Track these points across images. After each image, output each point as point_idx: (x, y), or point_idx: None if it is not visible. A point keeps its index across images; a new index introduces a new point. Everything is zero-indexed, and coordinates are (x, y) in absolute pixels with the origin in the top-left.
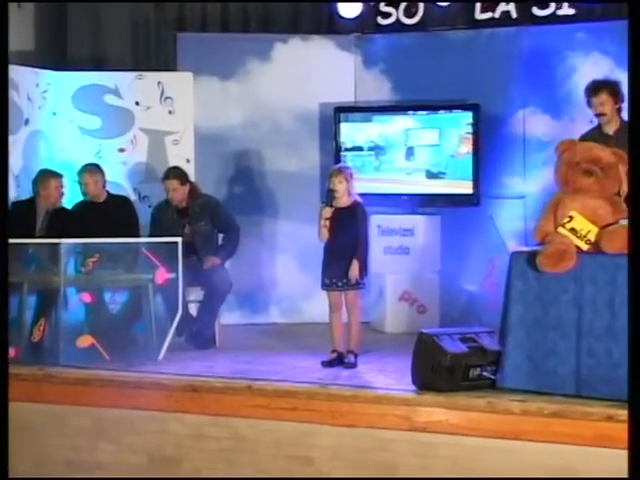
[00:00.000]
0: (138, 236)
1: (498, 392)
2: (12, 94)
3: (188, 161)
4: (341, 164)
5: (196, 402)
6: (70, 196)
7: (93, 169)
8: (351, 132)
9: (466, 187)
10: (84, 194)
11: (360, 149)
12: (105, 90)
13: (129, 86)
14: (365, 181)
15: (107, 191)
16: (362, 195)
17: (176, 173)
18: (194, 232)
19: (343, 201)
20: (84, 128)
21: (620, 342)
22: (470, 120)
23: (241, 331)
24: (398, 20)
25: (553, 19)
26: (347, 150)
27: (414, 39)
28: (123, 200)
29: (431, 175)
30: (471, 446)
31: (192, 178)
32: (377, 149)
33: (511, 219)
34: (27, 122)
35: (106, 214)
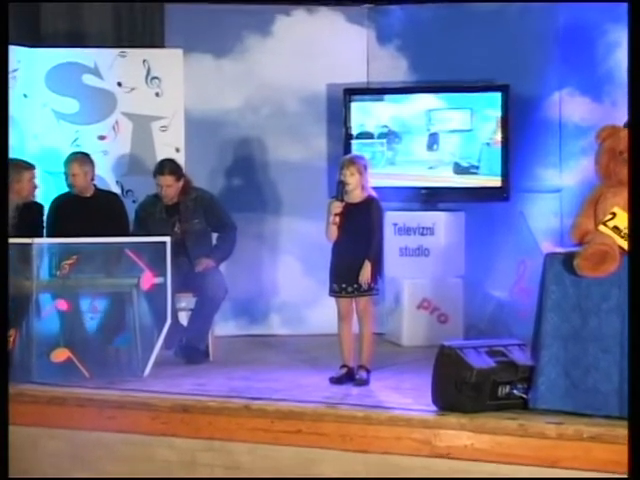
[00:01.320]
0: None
1: (531, 413)
2: None
3: (178, 150)
4: (353, 154)
5: (187, 424)
6: (43, 189)
7: (83, 159)
8: (358, 114)
9: (494, 180)
10: (70, 186)
11: (369, 136)
12: (83, 69)
13: (110, 65)
14: (374, 177)
15: (95, 185)
16: (375, 188)
17: (171, 168)
18: (185, 231)
19: (355, 195)
20: (59, 112)
21: None
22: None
23: (238, 343)
24: None
25: None
26: (352, 138)
27: (435, 11)
28: (113, 197)
29: (460, 170)
30: (500, 474)
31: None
32: (390, 136)
33: (545, 216)
34: None
35: (94, 211)
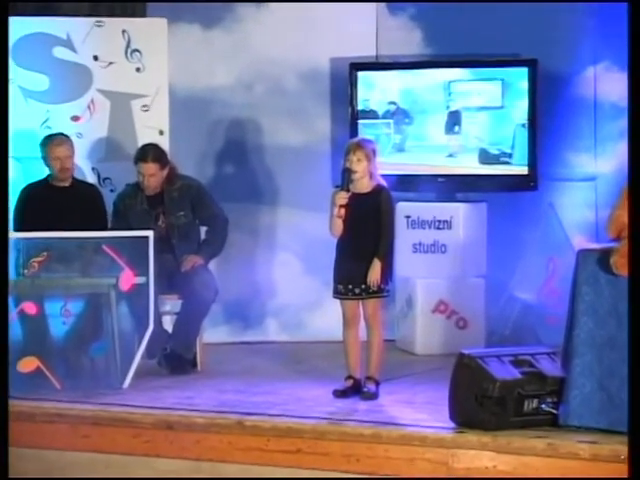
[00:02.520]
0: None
1: (561, 431)
2: None
3: (161, 133)
4: (361, 137)
5: (171, 443)
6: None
7: (69, 141)
8: (359, 89)
9: (521, 167)
10: (53, 172)
11: (372, 115)
12: (54, 41)
13: (85, 36)
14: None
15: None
16: (384, 176)
17: (155, 154)
18: (170, 224)
19: (363, 185)
20: (27, 90)
21: None
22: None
23: (229, 351)
24: None
25: None
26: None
27: None
28: (92, 188)
29: (488, 158)
30: None
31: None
32: (399, 115)
33: (578, 207)
34: None
35: (72, 204)
